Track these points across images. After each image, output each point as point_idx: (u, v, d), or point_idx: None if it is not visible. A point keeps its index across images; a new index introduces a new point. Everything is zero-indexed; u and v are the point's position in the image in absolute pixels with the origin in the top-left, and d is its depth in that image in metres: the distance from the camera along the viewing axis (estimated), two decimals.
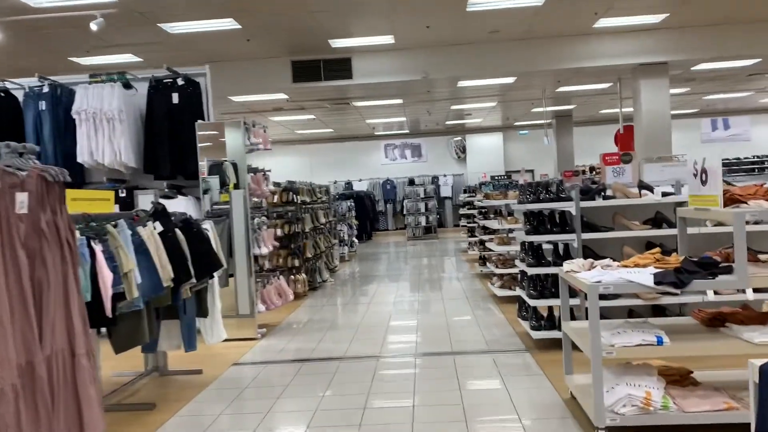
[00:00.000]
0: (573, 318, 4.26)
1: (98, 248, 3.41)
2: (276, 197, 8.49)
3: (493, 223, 7.73)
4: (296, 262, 8.52)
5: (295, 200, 8.77)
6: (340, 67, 11.61)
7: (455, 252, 14.36)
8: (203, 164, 6.29)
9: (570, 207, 5.17)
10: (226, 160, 6.30)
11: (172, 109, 6.39)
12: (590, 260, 3.71)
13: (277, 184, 8.86)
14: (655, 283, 3.17)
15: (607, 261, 3.61)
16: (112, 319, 3.46)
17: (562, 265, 5.14)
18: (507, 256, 7.61)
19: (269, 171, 6.95)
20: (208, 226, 4.98)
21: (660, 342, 3.26)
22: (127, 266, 3.55)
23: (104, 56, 10.09)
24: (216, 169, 6.36)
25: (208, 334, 4.97)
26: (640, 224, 5.17)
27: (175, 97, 6.37)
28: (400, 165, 23.57)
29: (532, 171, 23.37)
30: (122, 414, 4.26)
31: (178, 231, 4.38)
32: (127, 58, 10.27)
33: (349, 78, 11.52)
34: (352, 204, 14.85)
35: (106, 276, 3.34)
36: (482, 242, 9.73)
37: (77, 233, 3.09)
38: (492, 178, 19.56)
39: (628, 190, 5.24)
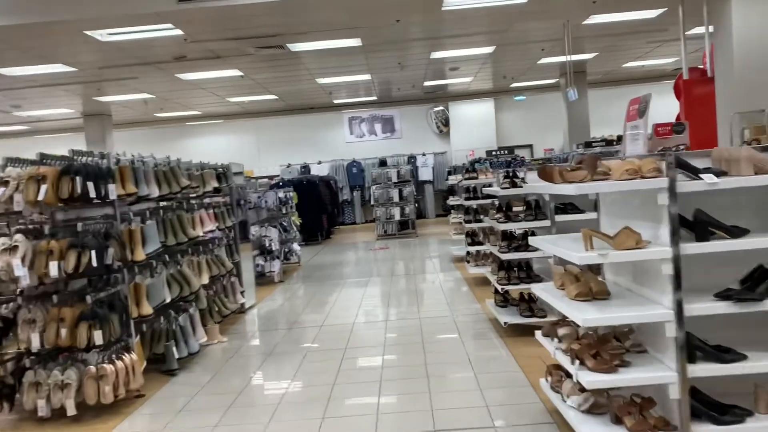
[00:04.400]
0: None
1: None
2: (43, 191, 3.66)
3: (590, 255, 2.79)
4: (97, 337, 3.73)
5: (104, 195, 3.92)
6: None
7: (446, 262, 9.70)
8: None
9: None
10: None
11: None
12: None
13: (43, 161, 3.97)
14: None
15: None
16: None
17: None
18: (579, 330, 2.93)
19: None
20: None
21: None
22: None
23: None
24: None
25: None
26: None
27: None
28: (370, 143, 18.86)
29: (530, 146, 18.78)
30: None
31: None
32: None
33: None
34: (290, 194, 10.04)
35: None
36: (501, 265, 5.01)
37: None
38: (488, 153, 14.93)
39: None
